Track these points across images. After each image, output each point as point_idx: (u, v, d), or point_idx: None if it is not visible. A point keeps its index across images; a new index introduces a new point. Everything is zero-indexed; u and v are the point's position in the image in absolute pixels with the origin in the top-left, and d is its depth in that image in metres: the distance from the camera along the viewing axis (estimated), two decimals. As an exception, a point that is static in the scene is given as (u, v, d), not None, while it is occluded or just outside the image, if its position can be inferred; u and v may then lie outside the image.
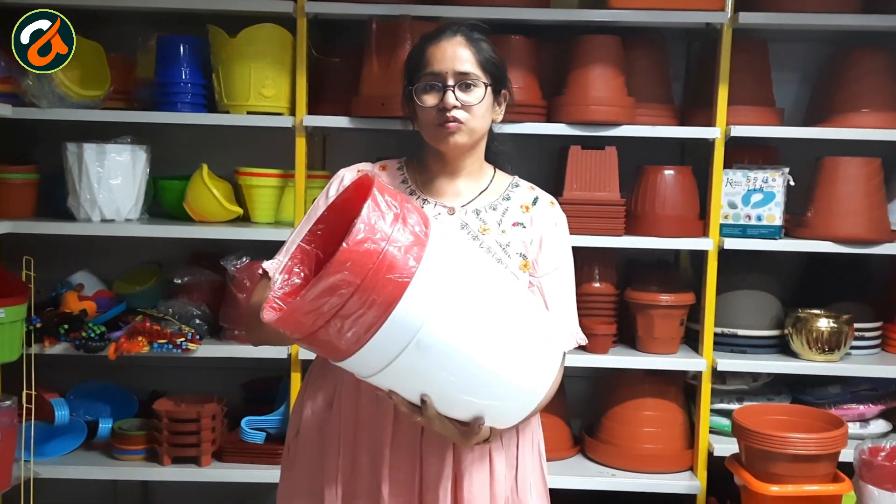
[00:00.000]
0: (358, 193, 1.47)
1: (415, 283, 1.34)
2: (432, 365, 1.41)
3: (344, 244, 1.30)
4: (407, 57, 1.78)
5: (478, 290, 1.45)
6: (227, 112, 2.84)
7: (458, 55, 1.69)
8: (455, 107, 1.68)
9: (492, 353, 1.45)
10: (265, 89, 2.81)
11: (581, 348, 2.83)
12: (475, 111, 1.70)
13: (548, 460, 2.87)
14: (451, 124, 1.68)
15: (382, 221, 1.34)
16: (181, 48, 2.83)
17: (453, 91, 1.68)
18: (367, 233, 1.32)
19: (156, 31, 2.89)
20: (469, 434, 1.55)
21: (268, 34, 2.80)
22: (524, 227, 1.78)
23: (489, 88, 1.72)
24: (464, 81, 1.69)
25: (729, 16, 2.75)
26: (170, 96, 2.82)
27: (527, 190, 1.86)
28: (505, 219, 1.78)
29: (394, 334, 1.35)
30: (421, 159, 1.82)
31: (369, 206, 1.34)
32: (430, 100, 1.70)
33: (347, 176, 1.79)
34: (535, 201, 1.84)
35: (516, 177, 1.89)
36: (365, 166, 1.83)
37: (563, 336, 1.74)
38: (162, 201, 3.01)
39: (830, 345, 2.81)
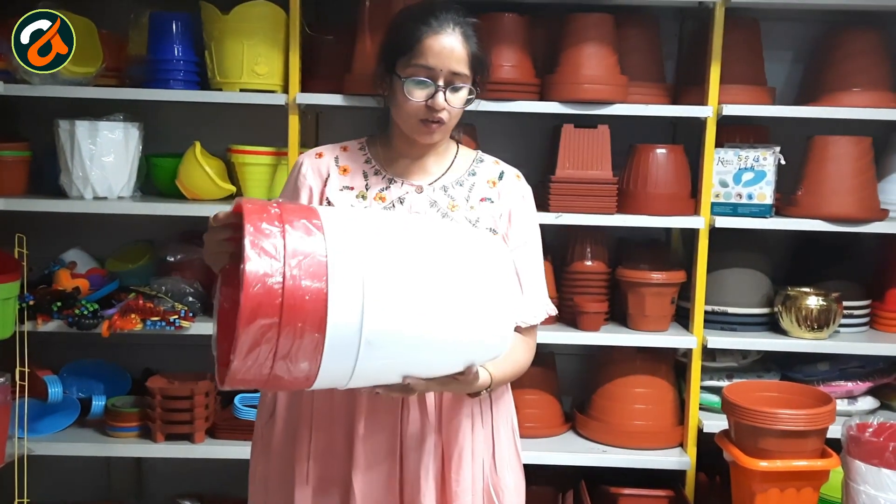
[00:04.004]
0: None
1: (332, 291, 1.26)
2: (394, 352, 1.35)
3: (242, 295, 1.20)
4: (394, 29, 1.70)
5: (400, 263, 1.36)
6: (220, 89, 2.83)
7: (454, 53, 1.65)
8: (443, 108, 1.66)
9: (443, 316, 1.37)
10: (258, 66, 2.80)
11: (572, 326, 2.90)
12: (456, 112, 1.70)
13: (539, 437, 2.95)
14: (434, 125, 1.68)
15: (270, 246, 1.24)
16: (173, 25, 2.81)
17: (444, 92, 1.65)
18: (259, 270, 1.22)
19: (148, 8, 2.88)
20: (469, 382, 1.52)
21: (261, 11, 2.79)
22: (492, 201, 1.79)
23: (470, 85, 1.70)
24: (454, 83, 1.66)
25: (722, -6, 2.76)
26: (162, 73, 2.81)
27: (492, 164, 1.86)
28: (472, 194, 1.78)
29: (341, 347, 1.28)
30: (387, 137, 1.80)
31: (249, 241, 1.24)
32: (419, 94, 1.65)
33: (306, 163, 1.78)
34: (501, 176, 1.84)
35: (479, 151, 1.89)
36: (325, 149, 1.82)
37: (534, 305, 1.79)
38: (154, 179, 3.00)
39: (819, 322, 2.83)
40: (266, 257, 1.23)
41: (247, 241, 1.23)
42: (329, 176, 1.75)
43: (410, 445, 1.70)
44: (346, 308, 1.27)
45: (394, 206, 1.73)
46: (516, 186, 1.85)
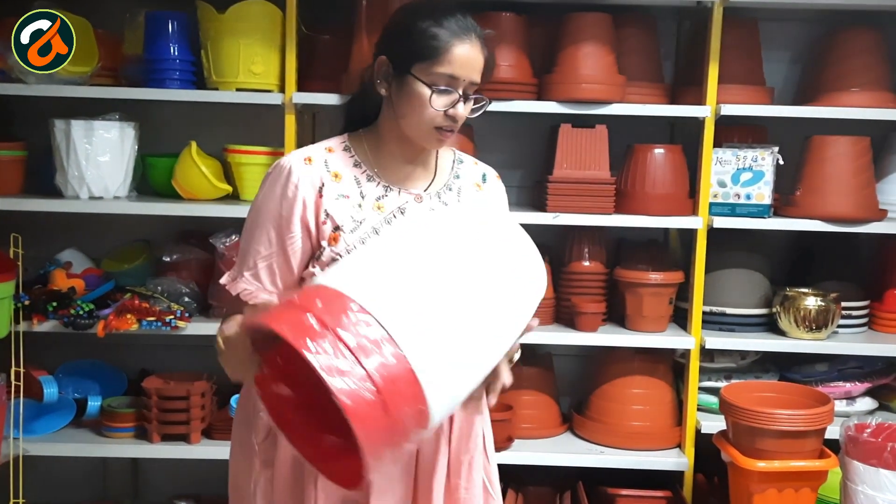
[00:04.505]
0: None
1: (415, 365, 1.21)
2: (475, 382, 1.38)
3: (352, 425, 1.15)
4: (411, 30, 1.55)
5: (451, 306, 1.31)
6: (216, 89, 2.83)
7: (476, 63, 1.57)
8: (462, 118, 1.60)
9: (499, 341, 1.38)
10: (254, 66, 2.79)
11: (570, 326, 2.89)
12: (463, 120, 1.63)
13: (537, 438, 2.95)
14: (447, 133, 1.60)
15: (342, 364, 1.16)
16: (169, 24, 2.81)
17: (464, 102, 1.59)
18: (352, 394, 1.15)
19: (144, 8, 2.87)
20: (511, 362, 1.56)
21: (257, 10, 2.78)
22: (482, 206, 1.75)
23: None
24: (470, 94, 1.59)
25: (720, -6, 2.76)
26: (158, 73, 2.80)
27: (472, 165, 1.79)
28: (462, 199, 1.71)
29: (441, 404, 1.27)
30: (374, 137, 1.66)
31: (321, 369, 1.15)
32: (442, 103, 1.56)
33: (296, 170, 1.57)
34: (484, 178, 1.78)
35: (455, 150, 1.80)
36: (311, 151, 1.62)
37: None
38: (150, 179, 2.99)
39: (818, 323, 2.83)
40: (346, 378, 1.16)
41: (322, 375, 1.15)
42: (323, 185, 1.58)
43: (425, 461, 1.64)
44: (435, 374, 1.25)
45: (394, 216, 1.62)
46: (499, 187, 1.81)
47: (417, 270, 1.33)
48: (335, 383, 1.15)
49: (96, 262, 3.05)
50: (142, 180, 2.99)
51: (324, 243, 1.58)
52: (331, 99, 2.78)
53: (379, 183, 1.63)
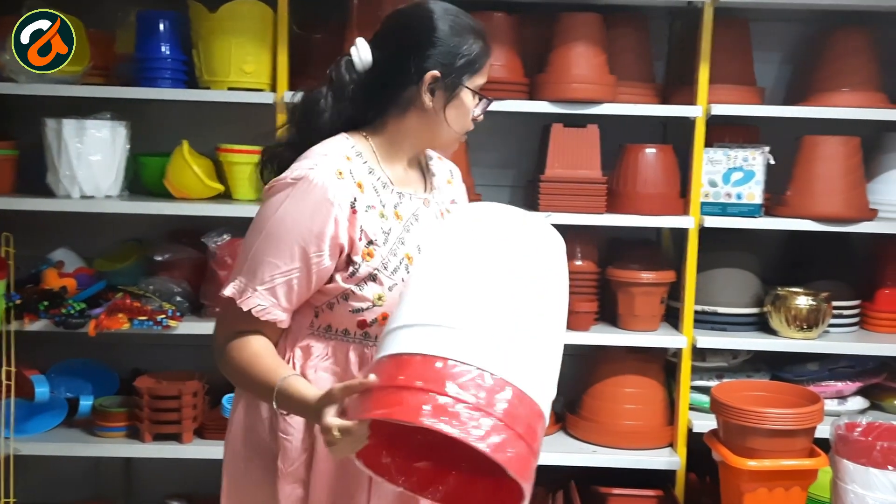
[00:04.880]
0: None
1: (526, 389, 1.29)
2: None
3: (520, 483, 1.23)
4: (459, 40, 1.55)
5: (528, 319, 1.38)
6: (208, 88, 2.83)
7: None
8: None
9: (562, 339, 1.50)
10: (246, 65, 2.79)
11: (562, 325, 2.89)
12: None
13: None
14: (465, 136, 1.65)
15: (482, 423, 1.21)
16: (161, 23, 2.81)
17: None
18: (504, 460, 1.20)
19: (135, 7, 2.87)
20: None
21: (248, 10, 2.79)
22: (455, 202, 1.74)
23: None
24: None
25: (711, -6, 2.76)
26: (150, 72, 2.80)
27: (438, 161, 1.76)
28: (444, 197, 1.71)
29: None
30: (383, 142, 1.61)
31: (478, 443, 1.20)
32: (479, 111, 1.61)
33: (331, 187, 1.49)
34: (452, 173, 1.78)
35: None
36: (336, 162, 1.52)
37: None
38: (142, 178, 2.99)
39: (809, 322, 2.84)
40: (491, 438, 1.21)
41: (482, 449, 1.19)
42: (355, 199, 1.52)
43: None
44: (540, 387, 1.33)
45: (411, 224, 1.59)
46: (462, 182, 1.81)
47: (483, 297, 1.35)
48: (492, 453, 1.19)
49: (88, 261, 3.04)
50: (133, 179, 2.99)
51: (357, 259, 1.52)
52: (323, 98, 2.78)
53: (392, 189, 1.59)
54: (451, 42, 1.54)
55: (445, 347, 1.27)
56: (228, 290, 1.52)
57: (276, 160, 1.64)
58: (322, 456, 1.55)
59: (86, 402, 2.87)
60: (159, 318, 2.75)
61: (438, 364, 1.26)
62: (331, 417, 1.31)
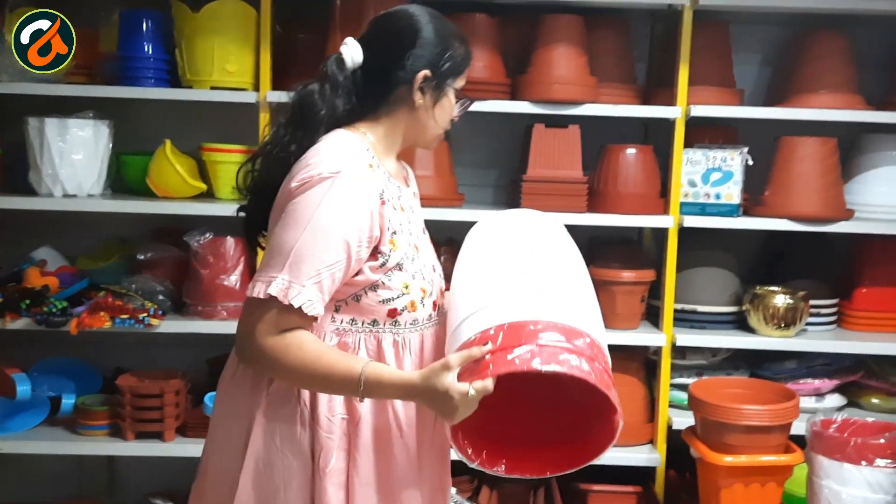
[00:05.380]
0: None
1: (596, 338, 1.55)
2: None
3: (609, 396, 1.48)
4: (451, 45, 1.65)
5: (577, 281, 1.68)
6: (191, 87, 2.83)
7: None
8: None
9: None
10: (229, 65, 2.80)
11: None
12: None
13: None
14: None
15: (575, 358, 1.45)
16: (144, 23, 2.82)
17: None
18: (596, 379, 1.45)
19: (118, 6, 2.88)
20: None
21: (231, 9, 2.80)
22: (416, 194, 1.80)
23: None
24: None
25: (690, -3, 2.79)
26: (132, 71, 2.81)
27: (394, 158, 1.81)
28: (412, 191, 1.78)
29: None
30: (380, 137, 1.66)
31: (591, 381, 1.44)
32: (457, 111, 1.72)
33: (366, 179, 1.55)
34: (406, 168, 1.83)
35: None
36: (362, 156, 1.58)
37: None
38: (125, 177, 3.00)
39: (787, 321, 2.87)
40: (590, 367, 1.45)
41: (591, 379, 1.44)
42: (383, 190, 1.59)
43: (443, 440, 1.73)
44: (594, 328, 1.57)
45: (411, 214, 1.68)
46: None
47: (536, 272, 1.60)
48: (597, 381, 1.44)
49: (70, 260, 3.04)
50: (116, 178, 3.00)
51: (385, 249, 1.57)
52: (306, 98, 2.79)
53: (394, 183, 1.65)
54: (439, 45, 1.63)
55: (525, 313, 1.49)
56: (272, 289, 1.49)
57: (270, 157, 1.65)
58: (364, 451, 1.60)
59: (68, 401, 2.87)
60: (141, 316, 2.75)
61: (530, 326, 1.47)
62: (460, 382, 1.44)
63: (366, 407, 1.61)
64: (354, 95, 1.63)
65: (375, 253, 1.57)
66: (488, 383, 1.44)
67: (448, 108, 1.69)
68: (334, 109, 1.62)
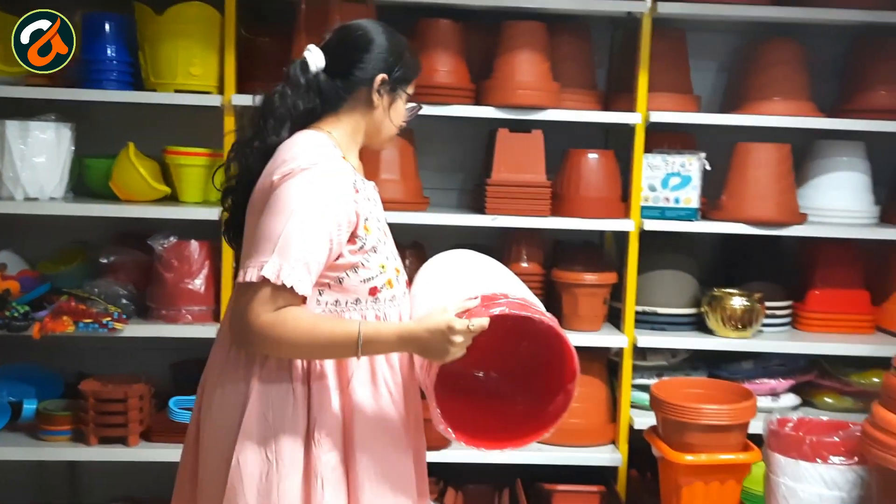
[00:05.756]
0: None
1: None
2: None
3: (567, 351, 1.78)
4: (406, 56, 1.82)
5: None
6: (155, 90, 2.82)
7: None
8: None
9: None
10: (193, 68, 2.80)
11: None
12: None
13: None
14: None
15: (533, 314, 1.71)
16: (106, 25, 2.80)
17: None
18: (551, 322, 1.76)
19: (80, 9, 2.85)
20: None
21: (195, 12, 2.80)
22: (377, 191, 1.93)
23: None
24: None
25: (649, 6, 2.84)
26: (95, 73, 2.79)
27: None
28: None
29: None
30: (343, 135, 1.79)
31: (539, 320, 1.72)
32: (408, 114, 1.89)
33: (344, 169, 1.71)
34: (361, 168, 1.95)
35: None
36: (334, 149, 1.72)
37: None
38: (87, 180, 2.98)
39: (743, 322, 2.94)
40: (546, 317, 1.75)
41: (549, 321, 1.75)
42: (355, 181, 1.73)
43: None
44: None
45: (375, 205, 1.80)
46: None
47: (484, 273, 1.91)
48: (552, 323, 1.74)
49: (32, 264, 3.01)
50: (78, 182, 2.97)
51: (361, 233, 1.71)
52: (271, 102, 2.80)
53: (358, 175, 1.77)
54: (393, 53, 1.80)
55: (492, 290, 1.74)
56: (265, 272, 1.59)
57: (242, 157, 1.79)
58: (360, 418, 1.74)
59: (29, 406, 2.84)
60: (105, 320, 2.73)
61: (500, 298, 1.70)
62: (461, 322, 1.62)
63: (358, 380, 1.73)
64: (317, 96, 1.76)
65: (353, 237, 1.70)
66: (484, 321, 1.62)
67: (400, 111, 1.85)
68: (296, 108, 1.75)
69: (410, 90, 1.86)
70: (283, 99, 1.76)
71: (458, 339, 1.62)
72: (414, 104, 1.89)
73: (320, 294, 1.72)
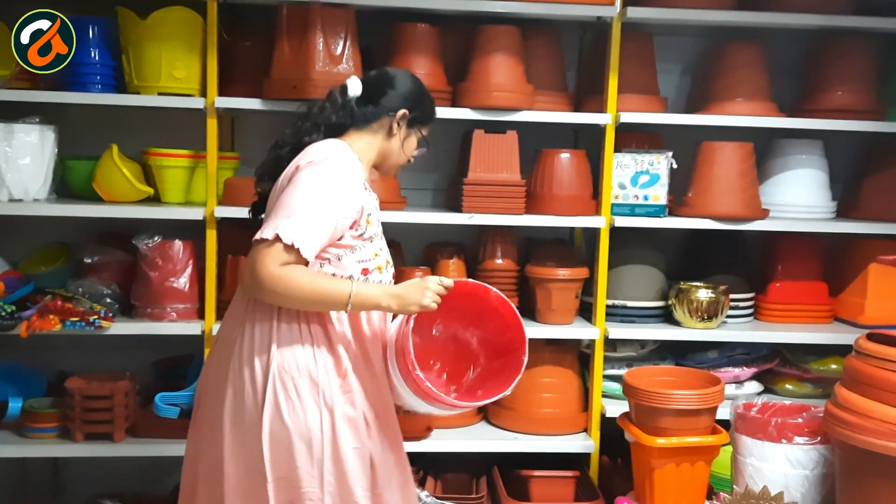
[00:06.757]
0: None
1: None
2: None
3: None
4: (429, 102, 2.21)
5: None
6: (138, 93, 2.87)
7: None
8: None
9: None
10: (176, 71, 2.85)
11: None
12: None
13: (454, 427, 3.09)
14: None
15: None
16: (90, 29, 2.84)
17: None
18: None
19: (65, 13, 2.87)
20: None
21: (178, 16, 2.85)
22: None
23: None
24: None
25: (618, 10, 2.95)
26: (79, 76, 2.83)
27: None
28: None
29: None
30: (361, 150, 2.12)
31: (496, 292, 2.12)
32: (418, 151, 2.25)
33: (358, 165, 2.06)
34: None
35: None
36: (351, 157, 2.05)
37: None
38: (69, 182, 3.01)
39: (709, 313, 3.06)
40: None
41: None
42: (364, 179, 2.07)
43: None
44: None
45: (376, 208, 2.13)
46: None
47: None
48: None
49: (15, 265, 3.04)
50: (61, 183, 3.01)
51: (363, 222, 2.02)
52: (253, 103, 2.87)
53: (365, 185, 2.08)
54: (417, 97, 2.17)
55: None
56: (279, 231, 1.87)
57: (276, 149, 2.12)
58: (363, 375, 2.04)
59: (15, 404, 2.86)
60: (92, 318, 2.77)
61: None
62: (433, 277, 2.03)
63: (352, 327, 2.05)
64: (349, 115, 2.12)
65: (355, 224, 2.00)
66: (451, 281, 2.02)
67: (412, 146, 2.21)
68: (329, 119, 2.12)
69: (424, 132, 2.21)
70: (322, 110, 2.12)
71: (432, 288, 1.98)
72: (424, 147, 2.24)
73: (321, 267, 1.99)
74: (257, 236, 1.91)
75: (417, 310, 1.98)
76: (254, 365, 1.96)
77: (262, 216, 2.09)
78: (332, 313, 2.01)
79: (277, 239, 1.88)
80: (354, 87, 2.14)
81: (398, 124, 2.14)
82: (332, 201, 1.94)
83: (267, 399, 1.92)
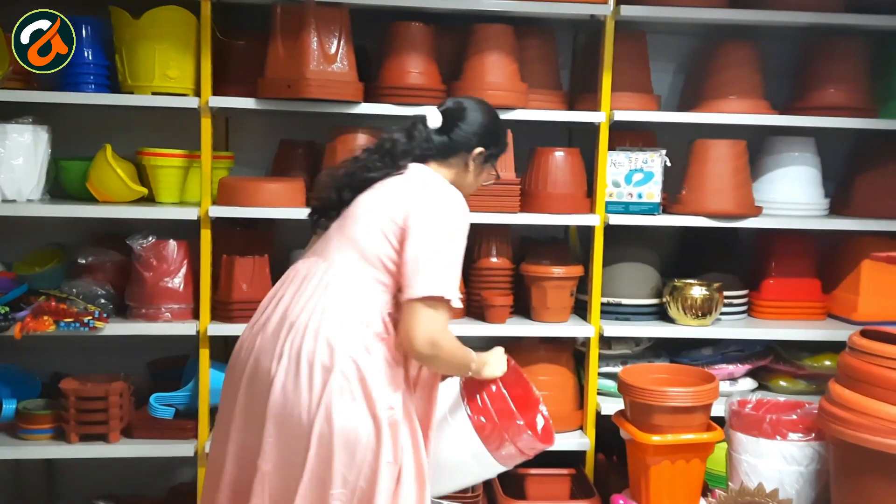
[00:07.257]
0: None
1: None
2: None
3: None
4: (504, 139, 2.31)
5: None
6: (132, 93, 2.86)
7: None
8: None
9: None
10: (170, 70, 2.85)
11: (480, 319, 3.05)
12: None
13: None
14: None
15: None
16: (83, 29, 2.83)
17: None
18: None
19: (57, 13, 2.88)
20: None
21: (172, 16, 2.84)
22: None
23: None
24: None
25: (611, 9, 2.96)
26: (72, 76, 2.82)
27: None
28: None
29: None
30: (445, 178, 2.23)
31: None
32: (485, 182, 2.35)
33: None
34: None
35: None
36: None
37: None
38: (63, 182, 3.00)
39: (703, 311, 3.08)
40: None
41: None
42: None
43: None
44: None
45: None
46: None
47: None
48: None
49: (7, 266, 3.03)
50: (55, 184, 3.00)
51: None
52: (247, 103, 2.86)
53: None
54: (495, 133, 2.26)
55: None
56: (454, 293, 2.00)
57: (359, 170, 2.17)
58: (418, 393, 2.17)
59: (9, 406, 2.86)
60: (86, 319, 2.77)
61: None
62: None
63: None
64: (432, 146, 2.18)
65: None
66: (509, 359, 2.35)
67: (483, 179, 2.31)
68: (412, 150, 2.18)
69: (497, 167, 2.33)
70: (410, 138, 2.19)
71: (505, 359, 2.29)
72: (494, 179, 2.35)
73: (392, 297, 2.05)
74: (425, 292, 1.95)
75: (500, 374, 2.26)
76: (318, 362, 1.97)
77: (318, 217, 2.21)
78: (388, 333, 2.03)
79: (441, 298, 1.97)
80: (434, 119, 2.21)
81: (474, 161, 2.23)
82: (463, 244, 2.07)
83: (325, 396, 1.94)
